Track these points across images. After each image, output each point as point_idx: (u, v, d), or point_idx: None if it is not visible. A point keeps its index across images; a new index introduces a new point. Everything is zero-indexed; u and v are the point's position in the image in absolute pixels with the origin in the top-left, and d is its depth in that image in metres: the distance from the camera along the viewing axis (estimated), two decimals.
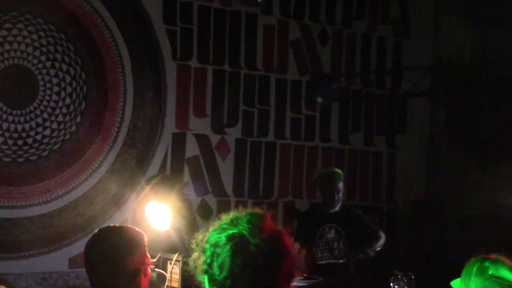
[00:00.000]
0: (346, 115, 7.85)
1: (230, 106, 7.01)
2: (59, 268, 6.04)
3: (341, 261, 6.01)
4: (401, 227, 8.13)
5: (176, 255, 4.36)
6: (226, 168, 6.97)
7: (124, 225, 3.09)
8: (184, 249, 4.68)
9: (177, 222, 5.10)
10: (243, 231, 1.96)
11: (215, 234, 1.99)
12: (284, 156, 7.37)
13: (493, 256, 2.75)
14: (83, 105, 6.20)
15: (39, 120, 5.99)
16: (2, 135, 5.83)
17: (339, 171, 6.19)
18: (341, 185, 6.05)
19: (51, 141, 6.05)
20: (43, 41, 5.98)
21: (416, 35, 8.32)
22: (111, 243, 2.78)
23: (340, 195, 6.02)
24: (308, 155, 7.54)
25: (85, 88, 6.21)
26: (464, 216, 7.98)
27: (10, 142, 5.87)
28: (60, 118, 6.09)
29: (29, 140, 5.95)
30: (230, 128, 7.01)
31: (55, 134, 6.07)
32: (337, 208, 6.03)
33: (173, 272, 4.22)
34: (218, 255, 1.94)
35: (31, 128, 5.96)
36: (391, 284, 4.65)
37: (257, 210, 2.06)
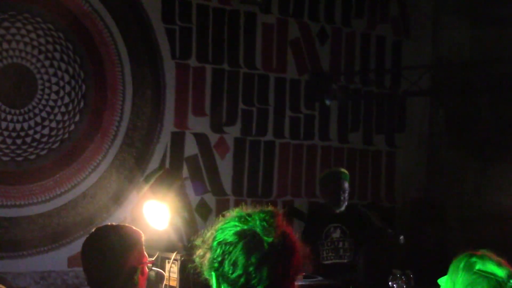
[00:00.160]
0: (345, 114, 7.84)
1: (229, 105, 7.00)
2: (58, 267, 6.04)
3: (346, 261, 6.00)
4: (400, 226, 8.12)
5: (174, 254, 4.36)
6: (225, 167, 6.97)
7: (122, 224, 3.09)
8: (182, 248, 4.68)
9: (176, 221, 5.10)
10: (256, 228, 1.95)
11: (224, 231, 1.97)
12: (283, 155, 7.37)
13: (480, 252, 2.73)
14: (82, 104, 6.19)
15: (38, 119, 5.99)
16: (1, 134, 5.83)
17: (345, 171, 6.19)
18: (347, 185, 6.05)
19: (50, 140, 6.05)
20: (42, 40, 5.97)
21: (416, 34, 8.31)
22: (108, 242, 2.78)
23: (346, 195, 6.03)
24: (307, 154, 7.53)
25: (84, 87, 6.20)
26: (463, 215, 7.98)
27: (9, 141, 5.86)
28: (59, 117, 6.08)
29: (28, 139, 5.94)
30: (229, 127, 7.00)
31: (54, 133, 6.06)
32: (342, 208, 6.03)
33: (172, 271, 4.22)
34: (230, 252, 1.92)
35: (29, 127, 5.95)
36: (389, 283, 4.66)
37: (269, 208, 2.04)
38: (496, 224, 7.48)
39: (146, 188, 5.65)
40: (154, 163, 6.51)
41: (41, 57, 5.98)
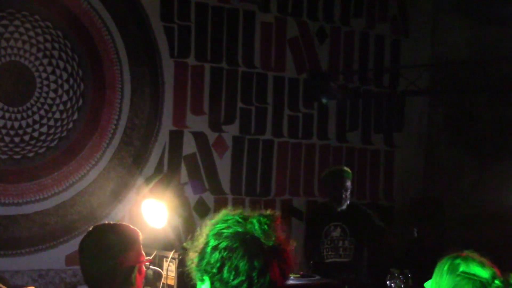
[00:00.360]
0: (344, 113, 7.84)
1: (228, 104, 7.00)
2: (56, 265, 6.03)
3: (346, 260, 6.00)
4: (398, 225, 8.13)
5: (172, 252, 4.35)
6: (224, 165, 6.97)
7: (119, 222, 3.09)
8: (180, 247, 4.67)
9: (174, 220, 5.10)
10: (255, 232, 1.90)
11: (221, 236, 1.92)
12: (281, 154, 7.36)
13: (464, 253, 2.73)
14: (80, 102, 6.19)
15: (36, 117, 5.98)
16: None
17: (348, 169, 6.20)
18: (349, 183, 6.06)
19: (48, 138, 6.04)
20: (40, 38, 5.97)
21: (415, 34, 8.31)
22: (106, 240, 2.77)
23: (348, 193, 6.03)
24: (306, 153, 7.53)
25: (82, 85, 6.20)
26: (462, 214, 7.98)
27: (7, 139, 5.86)
28: (57, 115, 6.08)
29: (26, 137, 5.94)
30: (227, 125, 7.00)
31: (52, 131, 6.06)
32: (344, 207, 6.04)
33: (169, 269, 4.21)
34: (230, 258, 1.87)
35: (28, 125, 5.95)
36: (387, 282, 4.66)
37: (268, 211, 1.97)
38: (495, 223, 7.49)
39: (145, 190, 5.66)
40: (152, 161, 6.51)
41: (40, 55, 5.97)
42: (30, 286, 5.00)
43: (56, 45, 6.05)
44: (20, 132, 5.92)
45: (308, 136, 7.55)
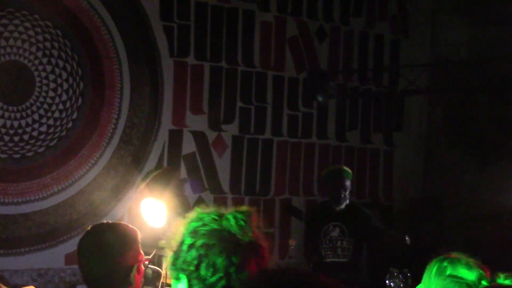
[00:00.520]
0: (343, 112, 7.84)
1: (227, 103, 7.00)
2: (55, 264, 6.03)
3: (344, 260, 5.99)
4: (397, 225, 8.13)
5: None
6: (223, 165, 6.97)
7: (118, 222, 3.09)
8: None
9: (174, 219, 5.09)
10: (231, 229, 1.91)
11: (197, 233, 1.91)
12: (281, 153, 7.36)
13: (452, 255, 2.75)
14: (79, 102, 6.19)
15: (36, 116, 5.98)
16: None
17: (347, 169, 6.19)
18: (348, 183, 6.05)
19: (48, 138, 6.04)
20: (40, 37, 5.96)
21: (414, 33, 8.31)
22: (104, 240, 2.77)
23: (347, 193, 6.02)
24: (305, 152, 7.53)
25: (81, 84, 6.20)
26: (461, 214, 7.98)
27: (6, 138, 5.86)
28: (57, 114, 6.08)
29: (25, 137, 5.94)
30: (227, 125, 7.00)
31: (51, 130, 6.06)
32: (343, 206, 6.03)
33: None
34: (207, 255, 1.87)
35: (27, 125, 5.95)
36: (386, 282, 4.66)
37: (244, 207, 1.99)
38: (494, 223, 7.49)
39: (143, 185, 5.64)
40: (152, 161, 6.51)
41: (39, 54, 5.97)
42: (29, 285, 5.00)
43: (56, 44, 6.05)
44: (20, 131, 5.91)
45: (307, 136, 7.55)
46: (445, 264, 2.70)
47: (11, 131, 5.88)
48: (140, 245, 2.88)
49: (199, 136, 6.82)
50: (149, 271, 3.83)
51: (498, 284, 2.51)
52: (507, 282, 2.50)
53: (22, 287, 4.20)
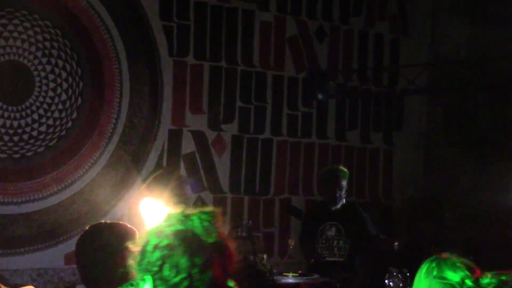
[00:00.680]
0: (343, 112, 7.84)
1: (227, 103, 7.00)
2: (55, 264, 6.03)
3: (341, 259, 6.00)
4: (397, 224, 8.13)
5: None
6: (223, 164, 6.97)
7: (118, 221, 3.08)
8: None
9: None
10: (195, 229, 1.90)
11: (161, 234, 1.91)
12: (280, 153, 7.36)
13: (443, 255, 2.77)
14: (79, 101, 6.19)
15: (35, 116, 5.98)
16: None
17: (344, 169, 6.19)
18: (344, 183, 6.05)
19: (47, 137, 6.04)
20: (39, 37, 5.96)
21: (414, 32, 8.31)
22: (102, 239, 2.77)
23: (343, 193, 6.02)
24: (305, 152, 7.53)
25: (81, 84, 6.20)
26: (461, 214, 7.98)
27: (6, 138, 5.86)
28: (56, 114, 6.08)
29: (25, 136, 5.94)
30: (226, 124, 7.00)
31: (51, 130, 6.06)
32: (338, 206, 6.03)
33: None
34: (170, 256, 1.87)
35: (27, 124, 5.95)
36: (386, 281, 4.65)
37: (209, 208, 1.98)
38: (493, 223, 7.49)
39: (143, 185, 5.65)
40: (151, 160, 6.51)
41: (39, 54, 5.97)
42: (29, 285, 5.00)
43: (55, 44, 6.05)
44: (19, 131, 5.92)
45: (307, 135, 7.55)
46: (433, 264, 2.73)
47: (11, 131, 5.88)
48: None
49: (198, 136, 6.82)
50: None
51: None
52: (493, 280, 2.54)
53: (22, 287, 4.19)
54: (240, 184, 7.09)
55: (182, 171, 6.71)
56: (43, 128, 6.02)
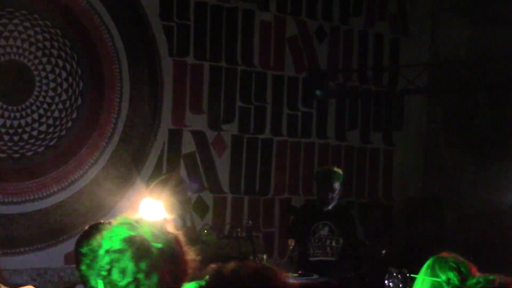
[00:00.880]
0: (343, 112, 7.84)
1: (227, 103, 7.00)
2: (55, 264, 6.03)
3: (333, 259, 6.01)
4: (397, 224, 8.14)
5: None
6: (223, 164, 6.97)
7: None
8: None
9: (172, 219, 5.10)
10: (144, 235, 1.93)
11: (112, 238, 1.94)
12: (280, 152, 7.37)
13: (442, 254, 2.94)
14: (79, 101, 6.19)
15: (35, 116, 5.98)
16: None
17: (339, 170, 6.17)
18: (337, 185, 6.04)
19: (47, 137, 6.04)
20: (39, 37, 5.97)
21: (414, 32, 8.31)
22: None
23: (335, 194, 6.01)
24: (305, 152, 7.53)
25: (81, 84, 6.20)
26: (460, 213, 7.98)
27: (6, 137, 5.86)
28: (56, 114, 6.08)
29: (25, 136, 5.94)
30: (226, 124, 7.00)
31: (51, 130, 6.06)
32: (330, 207, 6.04)
33: None
34: (119, 260, 1.90)
35: (27, 124, 5.95)
36: (386, 282, 4.65)
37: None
38: (493, 222, 7.49)
39: (148, 189, 5.64)
40: (151, 160, 6.51)
41: (39, 54, 5.98)
42: (29, 285, 5.00)
43: (55, 44, 6.05)
44: (19, 130, 5.92)
45: (307, 135, 7.55)
46: (429, 262, 2.90)
47: (11, 131, 5.88)
48: None
49: (198, 136, 6.82)
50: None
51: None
52: (481, 280, 2.63)
53: (22, 287, 4.19)
54: (240, 184, 7.09)
55: (182, 171, 6.71)
56: (43, 128, 6.02)
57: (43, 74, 6.01)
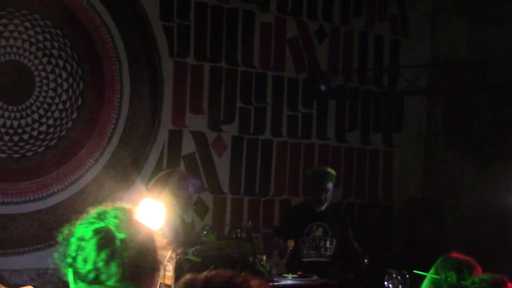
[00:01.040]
0: (343, 112, 7.85)
1: (227, 103, 7.00)
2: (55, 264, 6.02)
3: (327, 260, 6.02)
4: (397, 225, 8.14)
5: (169, 252, 4.35)
6: (223, 165, 6.97)
7: None
8: (178, 246, 4.68)
9: (172, 220, 5.10)
10: (109, 225, 1.99)
11: (81, 227, 2.02)
12: (280, 153, 7.37)
13: (450, 254, 3.01)
14: (79, 102, 6.19)
15: (35, 116, 5.98)
16: None
17: (332, 171, 6.18)
18: (330, 185, 6.05)
19: (47, 137, 6.04)
20: (40, 37, 5.97)
21: (414, 33, 8.31)
22: None
23: (328, 195, 6.02)
24: (305, 153, 7.53)
25: (81, 84, 6.20)
26: (460, 214, 7.98)
27: (6, 138, 5.86)
28: (57, 114, 6.08)
29: (25, 136, 5.94)
30: (226, 125, 7.00)
31: (51, 130, 6.06)
32: (323, 207, 6.05)
33: (167, 269, 4.22)
34: (83, 248, 1.97)
35: (27, 124, 5.95)
36: (385, 283, 4.66)
37: (124, 205, 2.08)
38: (493, 223, 7.49)
39: (148, 185, 5.64)
40: (151, 161, 6.51)
41: (39, 54, 5.98)
42: (28, 285, 5.00)
43: (56, 44, 6.05)
44: (19, 131, 5.92)
45: (307, 136, 7.56)
46: (437, 261, 2.98)
47: (11, 131, 5.88)
48: None
49: (198, 137, 6.82)
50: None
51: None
52: (476, 280, 2.73)
53: (21, 287, 4.20)
54: (240, 185, 7.10)
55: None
56: (43, 128, 6.02)
57: (43, 74, 6.01)
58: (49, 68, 6.03)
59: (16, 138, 5.90)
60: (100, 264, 1.94)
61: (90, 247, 1.96)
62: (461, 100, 8.13)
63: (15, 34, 5.87)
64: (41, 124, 6.01)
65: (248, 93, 7.15)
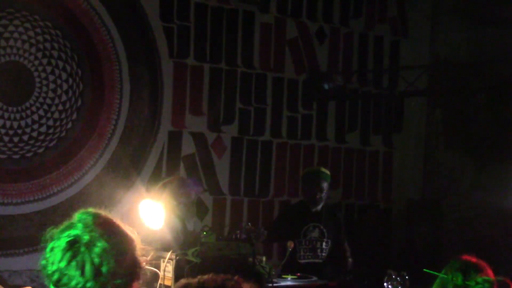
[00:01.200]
0: (343, 114, 7.85)
1: (227, 104, 7.00)
2: None
3: (321, 261, 6.03)
4: (396, 226, 8.14)
5: (169, 253, 4.36)
6: (222, 166, 6.97)
7: None
8: (177, 247, 4.68)
9: (172, 221, 5.10)
10: (77, 227, 2.04)
11: (58, 231, 2.07)
12: (280, 154, 7.37)
13: (463, 256, 3.05)
14: (79, 103, 6.19)
15: (35, 117, 5.99)
16: None
17: (326, 171, 6.18)
18: (325, 185, 6.04)
19: (47, 138, 6.05)
20: (40, 38, 5.97)
21: (414, 35, 8.32)
22: None
23: (323, 195, 6.02)
24: (305, 154, 7.53)
25: (81, 85, 6.20)
26: (460, 215, 7.98)
27: (6, 139, 5.87)
28: (56, 115, 6.09)
29: (25, 137, 5.95)
30: (226, 126, 7.00)
31: (51, 131, 6.06)
32: (319, 208, 6.04)
33: (166, 270, 4.23)
34: (52, 249, 2.02)
35: (27, 125, 5.95)
36: (385, 284, 4.65)
37: (90, 209, 2.12)
38: (493, 224, 7.49)
39: (151, 192, 5.63)
40: (151, 162, 6.51)
41: (39, 55, 5.98)
42: (28, 286, 5.01)
43: (56, 45, 6.06)
44: (19, 131, 5.92)
45: (307, 137, 7.56)
46: (450, 262, 3.04)
47: (11, 132, 5.89)
48: None
49: (198, 137, 6.83)
50: (147, 272, 3.84)
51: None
52: (479, 280, 2.78)
53: None
54: (240, 186, 7.10)
55: (182, 172, 6.71)
56: (43, 129, 6.02)
57: (43, 75, 6.02)
58: (49, 69, 6.03)
59: (16, 139, 5.91)
60: (62, 265, 1.99)
61: (58, 250, 2.01)
62: (461, 101, 8.13)
63: (15, 35, 5.88)
64: (41, 125, 6.01)
65: (248, 94, 7.15)
